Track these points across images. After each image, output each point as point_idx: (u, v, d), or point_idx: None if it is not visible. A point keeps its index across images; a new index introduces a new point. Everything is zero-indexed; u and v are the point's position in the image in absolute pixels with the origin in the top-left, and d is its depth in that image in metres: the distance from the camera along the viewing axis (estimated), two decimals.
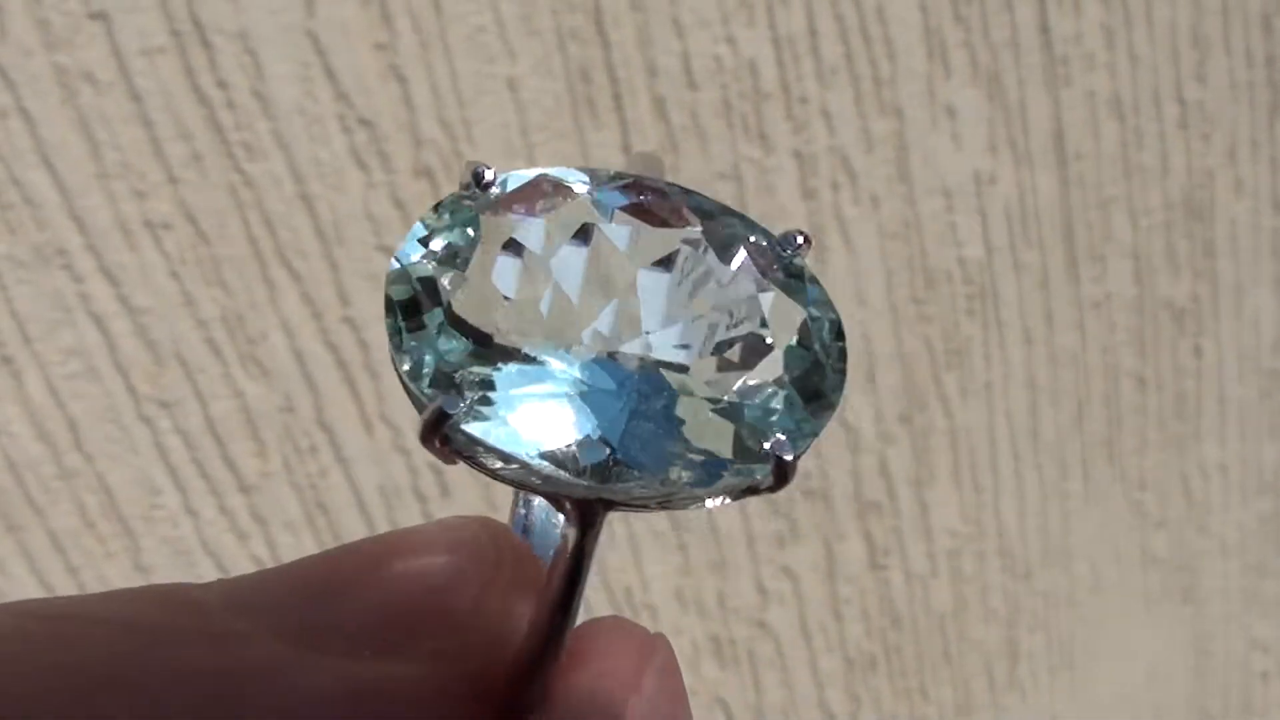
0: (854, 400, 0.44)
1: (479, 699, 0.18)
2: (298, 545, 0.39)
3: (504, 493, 0.42)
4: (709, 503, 0.17)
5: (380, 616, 0.18)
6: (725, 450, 0.17)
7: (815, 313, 0.18)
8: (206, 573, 0.38)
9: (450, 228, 0.18)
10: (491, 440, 0.16)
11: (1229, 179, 0.47)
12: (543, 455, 0.16)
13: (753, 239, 0.18)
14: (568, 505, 0.17)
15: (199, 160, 0.36)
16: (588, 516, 0.17)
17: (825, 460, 0.44)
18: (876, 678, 0.48)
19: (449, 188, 0.38)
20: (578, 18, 0.38)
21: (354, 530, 0.39)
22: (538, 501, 0.20)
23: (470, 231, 0.18)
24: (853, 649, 0.47)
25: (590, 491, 0.17)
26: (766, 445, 0.17)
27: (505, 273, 0.17)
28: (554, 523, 0.20)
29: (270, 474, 0.38)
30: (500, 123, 0.38)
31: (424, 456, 0.39)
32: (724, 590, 0.44)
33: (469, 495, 0.40)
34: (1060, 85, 0.44)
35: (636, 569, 0.43)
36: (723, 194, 0.40)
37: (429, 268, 0.17)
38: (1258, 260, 0.49)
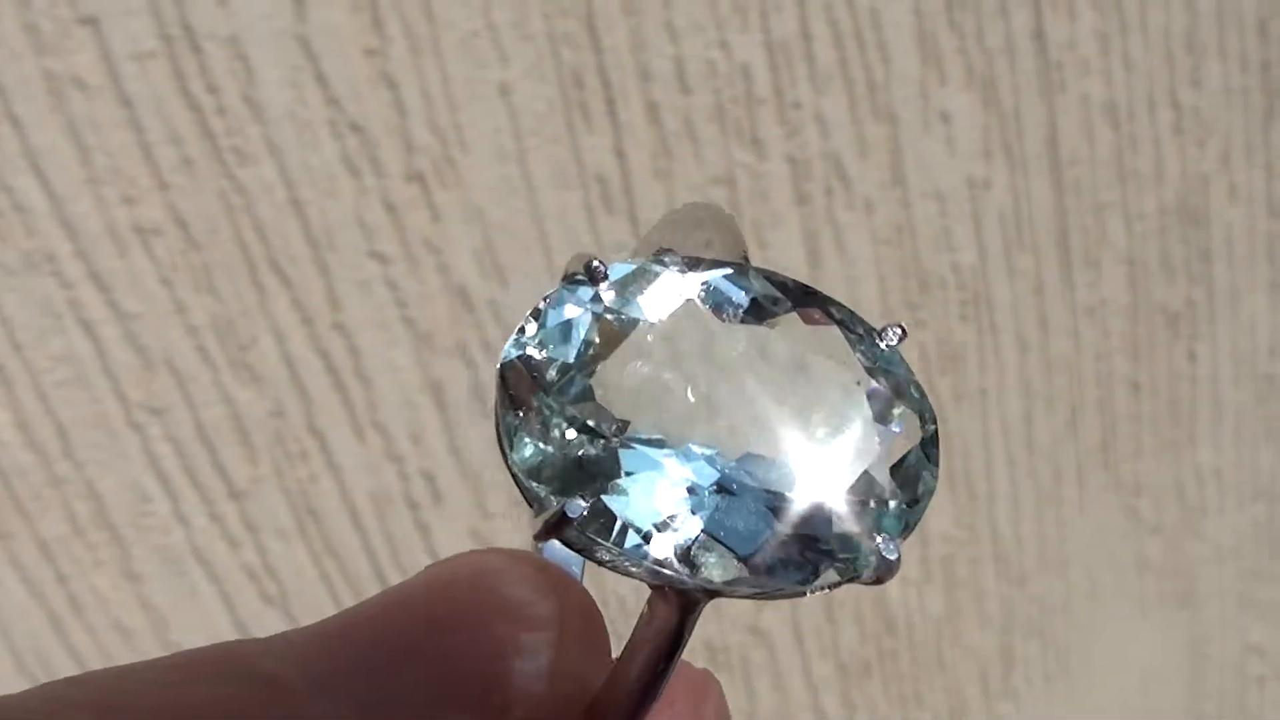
0: None
1: None
2: (289, 552, 0.39)
3: (495, 499, 0.42)
4: (810, 594, 0.17)
5: (467, 687, 0.17)
6: (830, 546, 0.17)
7: (913, 407, 0.18)
8: (198, 581, 0.38)
9: (561, 318, 0.18)
10: (609, 540, 0.17)
11: (1224, 184, 0.47)
12: (657, 555, 0.17)
13: (854, 331, 0.19)
14: (669, 591, 0.17)
15: (189, 165, 0.35)
16: (689, 605, 0.17)
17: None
18: (870, 684, 0.48)
19: (440, 193, 0.37)
20: (570, 22, 0.38)
21: (346, 537, 0.39)
22: None
23: (582, 322, 0.18)
24: (847, 655, 0.47)
25: (699, 585, 0.17)
26: (873, 544, 0.17)
27: (616, 364, 0.18)
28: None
29: (261, 480, 0.38)
30: (492, 128, 0.38)
31: (417, 463, 0.39)
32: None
33: (461, 503, 0.40)
34: (1055, 91, 0.44)
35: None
36: (717, 199, 0.40)
37: (540, 357, 0.18)
38: (1253, 265, 0.49)
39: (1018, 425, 0.47)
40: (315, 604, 0.39)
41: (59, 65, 0.34)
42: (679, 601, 0.17)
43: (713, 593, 0.17)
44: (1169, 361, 0.49)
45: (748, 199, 0.41)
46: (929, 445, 0.18)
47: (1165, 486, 0.50)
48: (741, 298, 0.18)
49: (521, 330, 0.18)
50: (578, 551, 0.17)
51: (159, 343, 0.36)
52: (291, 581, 0.39)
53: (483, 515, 0.40)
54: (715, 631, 0.45)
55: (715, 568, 0.17)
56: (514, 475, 0.17)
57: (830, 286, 0.43)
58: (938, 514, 0.47)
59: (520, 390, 0.17)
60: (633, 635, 0.18)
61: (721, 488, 0.17)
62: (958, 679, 0.49)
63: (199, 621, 0.38)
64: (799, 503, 0.17)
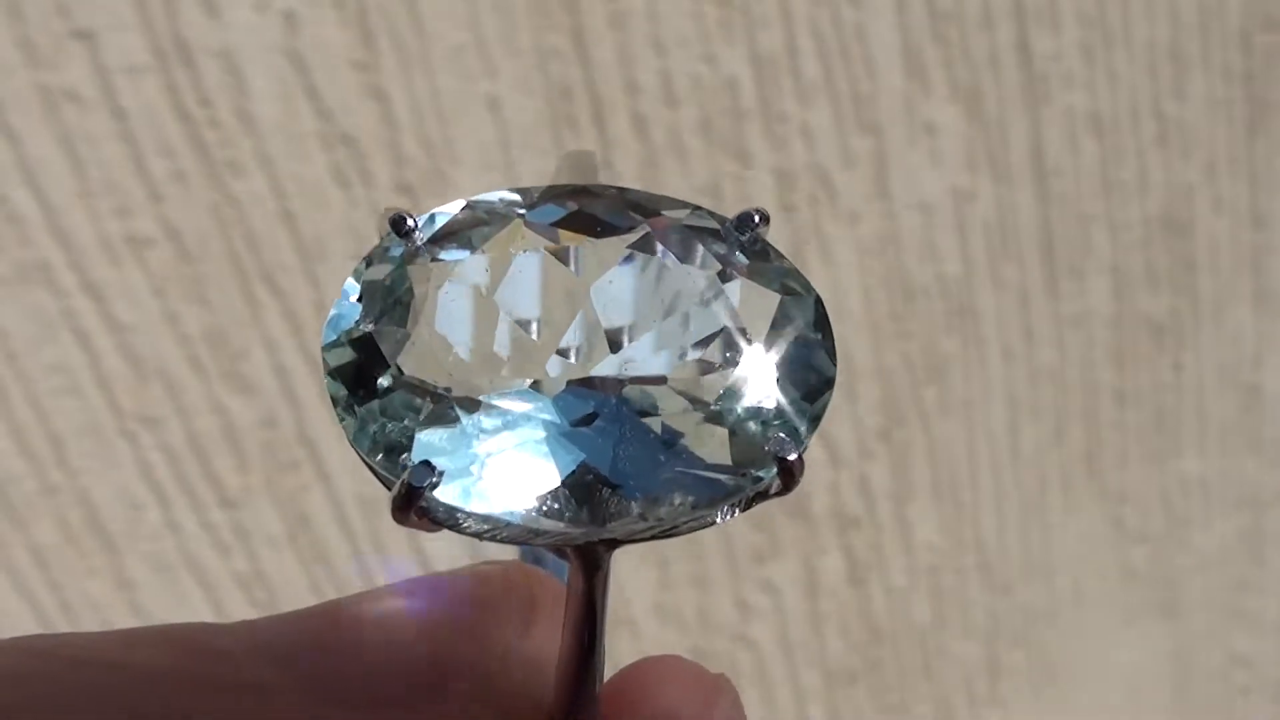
0: (834, 416, 0.44)
1: None
2: (279, 560, 0.39)
3: None
4: (718, 519, 0.16)
5: (405, 668, 0.17)
6: (724, 460, 0.16)
7: (788, 292, 0.17)
8: (189, 588, 0.39)
9: (381, 282, 0.16)
10: (471, 506, 0.15)
11: (1208, 195, 0.48)
12: (532, 509, 0.15)
13: (706, 227, 0.17)
14: (569, 551, 0.16)
15: (182, 178, 0.36)
16: (592, 561, 0.16)
17: (805, 475, 0.44)
18: (857, 692, 0.48)
19: (430, 204, 0.38)
20: (558, 36, 0.38)
21: (336, 545, 0.40)
22: None
23: (403, 282, 0.16)
24: (833, 663, 0.47)
25: (590, 534, 0.15)
26: (767, 448, 0.16)
27: (450, 319, 0.16)
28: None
29: (252, 489, 0.38)
30: (481, 140, 0.38)
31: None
32: (704, 605, 0.44)
33: None
34: (1039, 103, 0.44)
35: (616, 584, 0.43)
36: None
37: (368, 329, 0.16)
38: (1237, 276, 0.49)
39: (1003, 435, 0.47)
40: None
41: (53, 79, 0.34)
42: (581, 560, 0.16)
43: (612, 542, 0.15)
44: (1153, 371, 0.49)
45: (734, 210, 0.41)
46: (814, 330, 0.16)
47: (1150, 496, 0.51)
48: (555, 214, 0.16)
49: (344, 301, 0.16)
50: (446, 527, 0.15)
51: (152, 353, 0.37)
52: (282, 588, 0.39)
53: None
54: (702, 640, 0.45)
55: (605, 513, 0.15)
56: (363, 459, 0.16)
57: None
58: (923, 523, 0.47)
59: (355, 366, 0.16)
60: (566, 610, 0.17)
61: (592, 424, 0.15)
62: (944, 688, 0.50)
63: None
64: (683, 423, 0.15)
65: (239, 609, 0.39)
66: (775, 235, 0.18)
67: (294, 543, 0.39)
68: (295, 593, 0.39)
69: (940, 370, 0.45)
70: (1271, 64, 0.47)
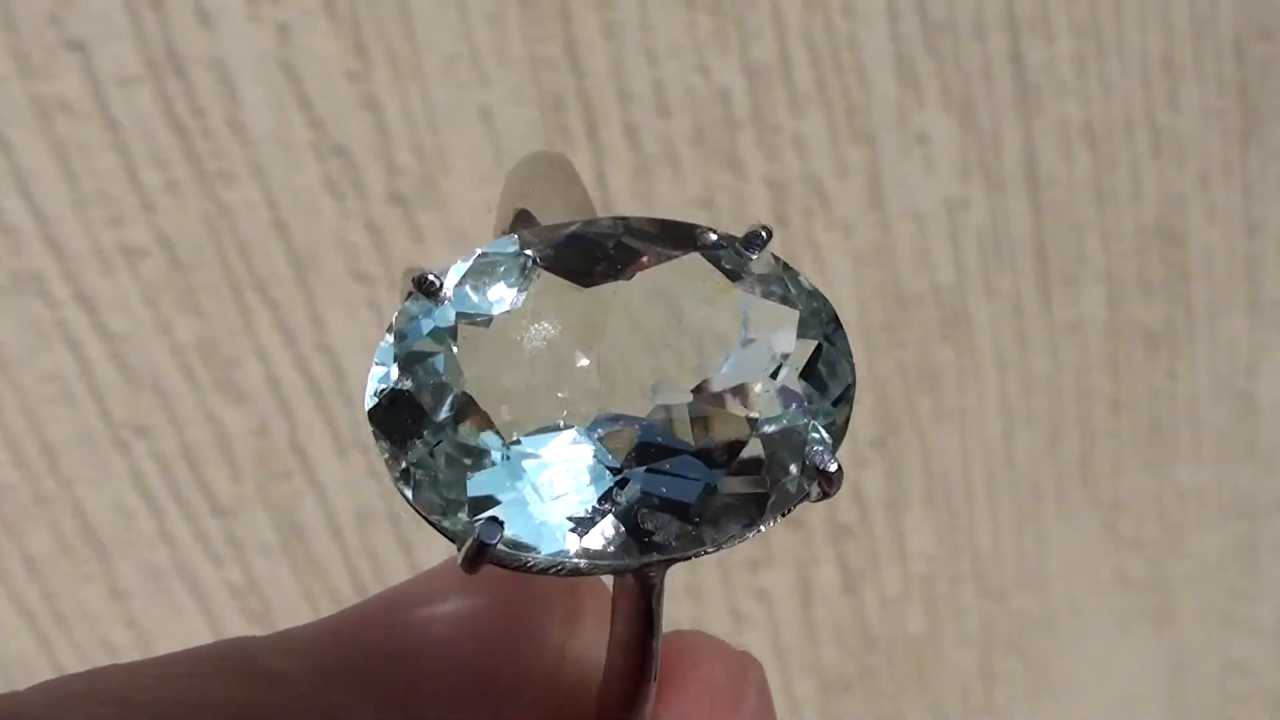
0: None
1: None
2: (272, 569, 0.39)
3: None
4: (762, 528, 0.16)
5: (473, 673, 0.17)
6: (761, 473, 0.16)
7: (805, 305, 0.17)
8: (182, 598, 0.39)
9: (412, 341, 0.17)
10: (541, 551, 0.16)
11: (1202, 204, 0.48)
12: (587, 543, 0.16)
13: (714, 245, 0.17)
14: (625, 575, 0.17)
15: (175, 188, 0.36)
16: (647, 582, 0.17)
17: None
18: (852, 701, 0.48)
19: (423, 215, 0.38)
20: (550, 46, 0.38)
21: (329, 555, 0.40)
22: None
23: (433, 338, 0.17)
24: (828, 672, 0.47)
25: (644, 560, 0.16)
26: (807, 461, 0.16)
27: (482, 366, 0.16)
28: None
29: (245, 498, 0.38)
30: (474, 150, 0.38)
31: None
32: (699, 615, 0.45)
33: None
34: (1032, 112, 0.44)
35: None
36: (697, 221, 0.41)
37: (405, 387, 0.16)
38: (1231, 284, 0.49)
39: (997, 443, 0.47)
40: (298, 620, 0.39)
41: (46, 89, 0.34)
42: (637, 583, 0.17)
43: (666, 561, 0.16)
44: (1148, 380, 0.49)
45: (728, 221, 0.41)
46: (832, 335, 0.17)
47: (1145, 504, 0.51)
48: (574, 250, 0.17)
49: (380, 363, 0.17)
50: (512, 569, 0.16)
51: (144, 362, 0.37)
52: (275, 598, 0.39)
53: None
54: None
55: (656, 536, 0.16)
56: (425, 519, 0.16)
57: None
58: (917, 531, 0.47)
59: (400, 425, 0.16)
60: (612, 624, 0.17)
61: (624, 450, 0.16)
62: (939, 696, 0.50)
63: (184, 639, 0.39)
64: (717, 441, 0.16)
65: (232, 618, 0.39)
66: (769, 245, 0.18)
67: (287, 551, 0.39)
68: (288, 602, 0.40)
69: (934, 379, 0.45)
70: (1265, 74, 0.47)
